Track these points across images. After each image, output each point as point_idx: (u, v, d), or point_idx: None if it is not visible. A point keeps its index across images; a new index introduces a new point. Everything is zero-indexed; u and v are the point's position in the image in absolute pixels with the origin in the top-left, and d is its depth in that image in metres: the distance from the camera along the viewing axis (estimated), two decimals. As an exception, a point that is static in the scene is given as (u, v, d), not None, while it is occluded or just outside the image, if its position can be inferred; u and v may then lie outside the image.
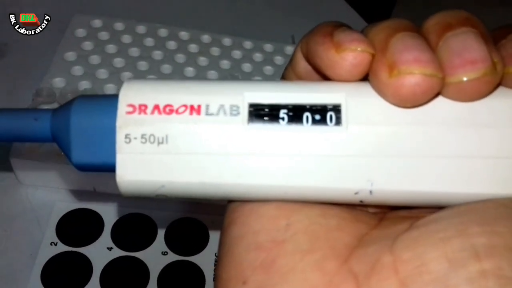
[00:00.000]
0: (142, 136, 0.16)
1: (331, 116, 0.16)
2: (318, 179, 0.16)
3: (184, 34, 0.45)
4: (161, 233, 0.35)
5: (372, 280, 0.13)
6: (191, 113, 0.16)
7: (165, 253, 0.34)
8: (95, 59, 0.41)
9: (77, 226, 0.35)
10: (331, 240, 0.15)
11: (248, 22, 0.51)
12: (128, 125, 0.16)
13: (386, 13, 0.90)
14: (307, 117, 0.16)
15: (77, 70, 0.40)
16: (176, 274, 0.34)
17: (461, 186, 0.15)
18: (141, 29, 0.44)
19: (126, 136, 0.16)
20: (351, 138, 0.16)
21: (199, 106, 0.16)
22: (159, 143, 0.16)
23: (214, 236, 0.36)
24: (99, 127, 0.16)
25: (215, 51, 0.45)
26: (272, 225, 0.16)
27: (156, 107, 0.16)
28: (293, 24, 0.52)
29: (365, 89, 0.16)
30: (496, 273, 0.12)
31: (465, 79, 0.14)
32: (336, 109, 0.16)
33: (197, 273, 0.34)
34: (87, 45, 0.42)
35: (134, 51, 0.42)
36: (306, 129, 0.16)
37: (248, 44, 0.46)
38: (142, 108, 0.16)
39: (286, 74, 0.19)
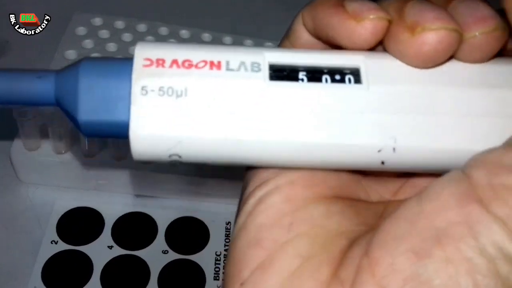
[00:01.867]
0: (160, 88, 0.15)
1: (349, 79, 0.16)
2: (340, 135, 0.15)
3: (184, 33, 0.45)
4: (161, 231, 0.35)
5: (356, 286, 0.13)
6: (211, 68, 0.15)
7: (166, 251, 0.34)
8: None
9: (78, 225, 0.35)
10: (328, 245, 0.15)
11: (249, 21, 0.51)
12: (144, 77, 0.15)
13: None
14: (326, 79, 0.16)
15: (78, 68, 0.39)
16: (176, 273, 0.34)
17: (480, 143, 0.15)
18: (141, 27, 0.44)
19: (143, 88, 0.15)
20: (372, 95, 0.15)
21: (219, 62, 0.16)
22: (177, 96, 0.15)
23: (214, 235, 0.36)
24: (111, 83, 0.15)
25: (215, 49, 0.45)
26: (276, 220, 0.16)
27: (175, 61, 0.15)
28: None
29: (381, 54, 0.16)
30: (457, 257, 0.12)
31: (477, 33, 0.15)
32: (355, 72, 0.16)
33: (197, 271, 0.34)
34: (88, 43, 0.42)
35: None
36: (327, 86, 0.16)
37: (248, 43, 0.46)
38: (160, 62, 0.15)
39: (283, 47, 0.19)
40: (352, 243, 0.15)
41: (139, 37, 0.43)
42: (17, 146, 0.35)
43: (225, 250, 0.35)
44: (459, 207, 0.13)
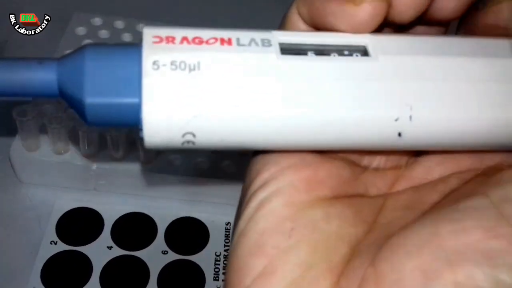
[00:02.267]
0: (172, 62, 0.14)
1: (357, 55, 0.16)
2: (355, 107, 0.15)
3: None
4: (161, 232, 0.35)
5: None
6: (222, 44, 0.15)
7: (165, 252, 0.34)
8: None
9: (77, 225, 0.35)
10: (329, 252, 0.15)
11: (249, 23, 0.51)
12: (155, 52, 0.15)
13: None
14: (334, 55, 0.16)
15: (78, 68, 0.39)
16: (176, 273, 0.34)
17: (497, 109, 0.16)
18: (141, 27, 0.44)
19: (154, 62, 0.14)
20: (382, 65, 0.16)
21: (229, 39, 0.15)
22: (190, 69, 0.15)
23: (214, 236, 0.36)
24: (119, 63, 0.15)
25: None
26: (277, 226, 0.15)
27: (185, 38, 0.15)
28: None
29: (385, 35, 0.17)
30: (469, 283, 0.12)
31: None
32: (362, 49, 0.16)
33: (197, 272, 0.34)
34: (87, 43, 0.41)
35: (135, 50, 0.42)
36: (337, 59, 0.16)
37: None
38: (170, 39, 0.15)
39: None
40: (354, 251, 0.15)
41: (139, 37, 0.43)
42: (17, 146, 0.35)
43: (225, 250, 0.35)
44: (484, 238, 0.13)
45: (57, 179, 0.36)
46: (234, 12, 0.52)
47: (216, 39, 0.15)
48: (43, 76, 0.15)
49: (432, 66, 0.16)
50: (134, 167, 0.35)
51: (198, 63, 0.15)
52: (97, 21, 0.43)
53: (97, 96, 0.14)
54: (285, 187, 0.16)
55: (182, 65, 0.15)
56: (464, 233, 0.13)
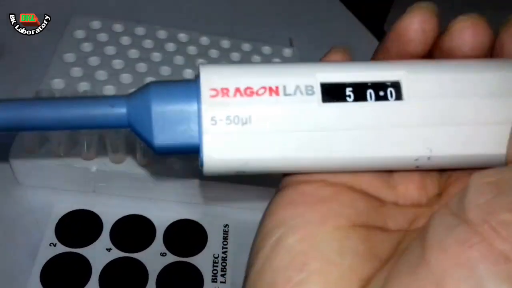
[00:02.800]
0: (227, 117, 0.17)
1: (391, 92, 0.18)
2: (384, 148, 0.17)
3: (183, 36, 0.45)
4: (159, 234, 0.35)
5: None
6: (270, 94, 0.17)
7: (164, 254, 0.35)
8: (94, 61, 0.41)
9: (76, 227, 0.35)
10: (340, 286, 0.16)
11: (247, 25, 0.51)
12: (213, 107, 0.17)
13: (383, 15, 0.91)
14: (370, 94, 0.17)
15: (76, 71, 0.40)
16: (174, 275, 0.34)
17: (503, 148, 0.17)
18: (140, 30, 0.44)
19: (212, 118, 0.17)
20: (413, 110, 0.17)
21: (277, 87, 0.17)
22: (243, 123, 0.17)
23: (212, 238, 0.36)
24: (181, 110, 0.17)
25: (213, 53, 0.45)
26: (291, 261, 0.16)
27: (238, 90, 0.17)
28: (291, 26, 0.53)
29: (421, 66, 0.18)
30: None
31: None
32: (396, 85, 0.18)
33: (195, 274, 0.34)
34: (86, 47, 0.42)
35: (133, 53, 0.42)
36: (372, 104, 0.17)
37: (246, 47, 0.46)
38: (225, 92, 0.17)
39: None
40: (364, 286, 0.15)
41: (137, 40, 0.43)
42: (17, 148, 0.35)
43: (223, 252, 0.35)
44: (462, 252, 0.13)
45: (56, 182, 0.36)
46: (232, 15, 0.53)
47: (265, 89, 0.17)
48: (115, 117, 0.17)
49: (455, 109, 0.18)
50: (133, 170, 0.36)
51: (250, 117, 0.17)
52: (96, 24, 0.44)
53: (164, 140, 0.17)
54: (300, 223, 0.17)
55: (236, 120, 0.17)
56: (445, 254, 0.13)
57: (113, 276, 0.33)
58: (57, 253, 0.33)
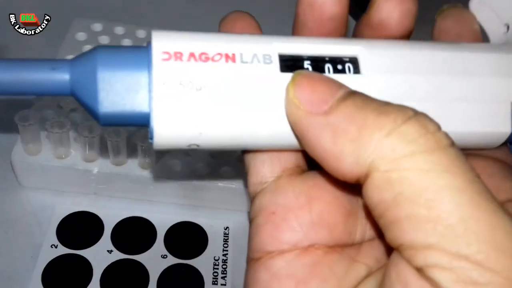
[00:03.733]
0: (180, 82, 0.16)
1: (349, 67, 0.17)
2: None
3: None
4: (160, 236, 0.36)
5: None
6: (226, 61, 0.16)
7: (165, 256, 0.35)
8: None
9: (78, 229, 0.35)
10: None
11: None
12: (164, 71, 0.16)
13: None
14: (328, 68, 0.17)
15: (78, 73, 0.40)
16: (175, 277, 0.34)
17: (464, 125, 0.17)
18: (141, 33, 0.44)
19: (164, 82, 0.16)
20: (370, 84, 0.17)
21: (233, 54, 0.16)
22: (197, 89, 0.16)
23: (212, 240, 0.36)
24: (130, 76, 0.16)
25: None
26: None
27: (192, 54, 0.16)
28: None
29: (378, 43, 0.18)
30: None
31: None
32: (353, 61, 0.17)
33: (196, 276, 0.34)
34: (88, 49, 0.42)
35: (134, 56, 0.42)
36: (330, 76, 0.17)
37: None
38: (178, 55, 0.16)
39: None
40: None
41: (138, 43, 0.43)
42: (18, 150, 0.35)
43: (223, 255, 0.36)
44: None
45: (58, 183, 0.36)
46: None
47: (221, 55, 0.16)
48: (56, 80, 0.16)
49: (417, 85, 0.17)
50: (134, 172, 0.36)
51: (204, 83, 0.16)
52: (97, 26, 0.44)
53: (110, 107, 0.16)
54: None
55: (190, 85, 0.16)
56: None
57: (114, 278, 0.33)
58: (59, 254, 0.33)
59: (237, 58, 0.16)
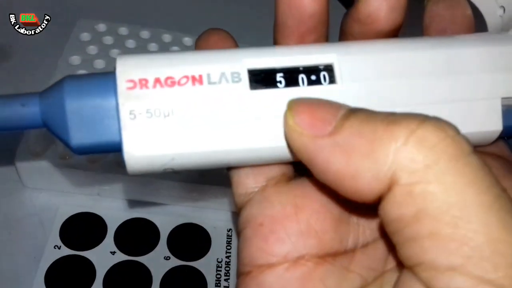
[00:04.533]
0: (147, 110, 0.15)
1: (324, 76, 0.16)
2: None
3: (187, 40, 0.45)
4: (163, 238, 0.36)
5: None
6: (193, 84, 0.16)
7: (168, 258, 0.35)
8: (99, 64, 0.41)
9: (81, 230, 0.35)
10: None
11: (249, 28, 0.51)
12: (130, 100, 0.15)
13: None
14: (302, 79, 0.16)
15: (82, 74, 0.40)
16: (178, 279, 0.34)
17: (464, 127, 0.17)
18: (145, 34, 0.44)
19: (131, 112, 0.15)
20: (347, 94, 0.16)
21: (200, 76, 0.16)
22: (165, 116, 0.16)
23: (216, 242, 0.36)
24: (98, 106, 0.16)
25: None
26: None
27: (157, 80, 0.16)
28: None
29: (354, 48, 0.17)
30: None
31: None
32: (329, 69, 0.17)
33: (199, 278, 0.34)
34: (92, 49, 0.42)
35: (138, 56, 0.42)
36: (303, 89, 0.16)
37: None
38: (143, 83, 0.16)
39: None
40: None
41: (143, 44, 0.44)
42: (22, 151, 0.35)
43: (227, 257, 0.36)
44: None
45: (61, 184, 0.36)
46: (237, 21, 0.53)
47: (187, 78, 0.16)
48: (27, 116, 0.16)
49: (393, 90, 0.17)
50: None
51: (172, 108, 0.16)
52: (102, 27, 0.44)
53: (81, 139, 0.16)
54: None
55: (157, 112, 0.15)
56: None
57: (117, 279, 0.33)
58: (62, 255, 0.33)
59: (204, 79, 0.16)
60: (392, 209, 0.13)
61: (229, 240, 0.36)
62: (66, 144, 0.16)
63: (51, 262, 0.33)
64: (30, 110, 0.16)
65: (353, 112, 0.15)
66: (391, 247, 0.15)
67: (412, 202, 0.13)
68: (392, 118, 0.14)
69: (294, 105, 0.15)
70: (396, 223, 0.14)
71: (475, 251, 0.12)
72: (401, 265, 0.14)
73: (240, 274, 0.18)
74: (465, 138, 0.13)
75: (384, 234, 0.16)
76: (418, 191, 0.13)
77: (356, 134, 0.14)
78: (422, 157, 0.13)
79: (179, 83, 0.16)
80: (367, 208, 0.16)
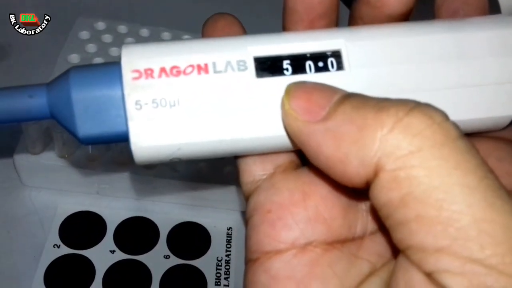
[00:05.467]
0: (153, 101, 0.15)
1: (332, 62, 0.16)
2: None
3: (187, 38, 0.45)
4: (163, 236, 0.35)
5: None
6: (199, 73, 0.16)
7: (167, 256, 0.35)
8: (99, 62, 0.41)
9: (80, 229, 0.35)
10: None
11: (248, 24, 0.51)
12: (136, 91, 0.15)
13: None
14: (309, 66, 0.16)
15: (81, 72, 0.40)
16: (178, 278, 0.34)
17: (462, 113, 0.17)
18: (144, 32, 0.44)
19: (137, 102, 0.15)
20: (355, 80, 0.16)
21: (206, 65, 0.16)
22: (171, 105, 0.16)
23: (215, 241, 0.36)
24: (104, 96, 0.16)
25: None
26: None
27: (163, 69, 0.16)
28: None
29: (362, 33, 0.17)
30: None
31: None
32: (336, 55, 0.16)
33: (198, 276, 0.34)
34: (91, 48, 0.42)
35: (138, 54, 0.42)
36: (311, 77, 0.16)
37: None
38: (148, 73, 0.16)
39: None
40: None
41: (142, 42, 0.43)
42: (21, 149, 0.35)
43: (226, 255, 0.35)
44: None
45: (60, 183, 0.36)
46: (235, 14, 0.53)
47: (193, 67, 0.16)
48: (35, 107, 0.16)
49: (401, 76, 0.16)
50: (137, 172, 0.36)
51: (178, 98, 0.16)
52: (101, 25, 0.44)
53: (88, 129, 0.16)
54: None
55: (163, 102, 0.15)
56: None
57: (117, 278, 0.33)
58: (61, 254, 0.33)
59: (210, 68, 0.16)
60: (380, 194, 0.14)
61: (229, 238, 0.36)
62: (74, 135, 0.16)
63: (50, 261, 0.33)
64: (38, 102, 0.16)
65: (347, 97, 0.15)
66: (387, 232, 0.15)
67: (398, 187, 0.13)
68: (382, 104, 0.14)
69: (291, 89, 0.16)
70: (386, 208, 0.14)
71: (461, 232, 0.12)
72: (396, 249, 0.14)
73: (247, 262, 0.18)
74: (452, 124, 0.14)
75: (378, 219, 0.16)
76: (403, 176, 0.13)
77: (348, 120, 0.14)
78: (407, 144, 0.13)
79: (184, 72, 0.16)
80: None
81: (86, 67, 0.16)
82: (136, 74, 0.15)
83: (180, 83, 0.16)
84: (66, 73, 0.16)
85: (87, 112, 0.16)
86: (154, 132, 0.16)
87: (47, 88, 0.16)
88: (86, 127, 0.16)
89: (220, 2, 0.54)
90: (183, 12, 0.51)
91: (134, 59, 0.16)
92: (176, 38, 0.45)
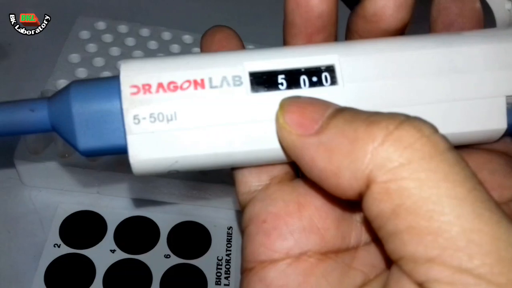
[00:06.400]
0: (151, 115, 0.16)
1: (326, 77, 0.17)
2: None
3: (187, 38, 0.45)
4: (163, 236, 0.35)
5: None
6: (195, 88, 0.16)
7: (168, 256, 0.35)
8: (99, 61, 0.41)
9: (81, 228, 0.35)
10: None
11: (250, 26, 0.51)
12: (135, 106, 0.16)
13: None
14: (304, 80, 0.17)
15: (81, 72, 0.40)
16: (178, 277, 0.34)
17: (454, 127, 0.17)
18: (145, 31, 0.44)
19: (135, 117, 0.16)
20: (348, 94, 0.17)
21: (202, 80, 0.16)
22: (168, 120, 0.16)
23: (216, 240, 0.36)
24: (104, 111, 0.16)
25: (218, 55, 0.45)
26: None
27: (160, 85, 0.16)
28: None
29: (356, 48, 0.17)
30: None
31: None
32: (330, 69, 0.17)
33: (199, 276, 0.34)
34: (91, 47, 0.42)
35: (138, 54, 0.42)
36: (305, 91, 0.17)
37: (251, 48, 0.46)
38: (146, 88, 0.16)
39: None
40: None
41: (142, 42, 0.43)
42: (21, 149, 0.35)
43: (227, 255, 0.35)
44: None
45: (60, 182, 0.36)
46: (237, 19, 0.53)
47: (189, 82, 0.16)
48: (36, 120, 0.17)
49: (394, 90, 0.17)
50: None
51: (175, 113, 0.16)
52: (101, 25, 0.44)
53: (88, 143, 0.16)
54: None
55: (160, 117, 0.16)
56: None
57: (117, 278, 0.33)
58: (61, 254, 0.33)
59: (206, 83, 0.16)
60: (372, 206, 0.14)
61: (229, 238, 0.36)
62: (74, 147, 0.17)
63: (50, 261, 0.33)
64: (39, 115, 0.17)
65: (339, 111, 0.15)
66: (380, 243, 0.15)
67: (389, 199, 0.13)
68: (373, 118, 0.14)
69: (285, 104, 0.16)
70: (378, 219, 0.14)
71: (450, 242, 0.13)
72: (389, 260, 0.15)
73: (243, 271, 0.18)
74: (441, 137, 0.14)
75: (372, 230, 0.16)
76: (394, 187, 0.13)
77: (340, 133, 0.14)
78: (397, 156, 0.13)
79: (181, 88, 0.16)
80: None
81: (86, 82, 0.17)
82: (135, 90, 0.16)
83: (177, 98, 0.16)
84: (67, 88, 0.17)
85: (87, 126, 0.16)
86: (152, 146, 0.16)
87: (48, 102, 0.17)
88: (86, 140, 0.16)
89: (220, 2, 0.54)
90: (183, 12, 0.51)
91: (133, 74, 0.16)
92: (176, 37, 0.45)
